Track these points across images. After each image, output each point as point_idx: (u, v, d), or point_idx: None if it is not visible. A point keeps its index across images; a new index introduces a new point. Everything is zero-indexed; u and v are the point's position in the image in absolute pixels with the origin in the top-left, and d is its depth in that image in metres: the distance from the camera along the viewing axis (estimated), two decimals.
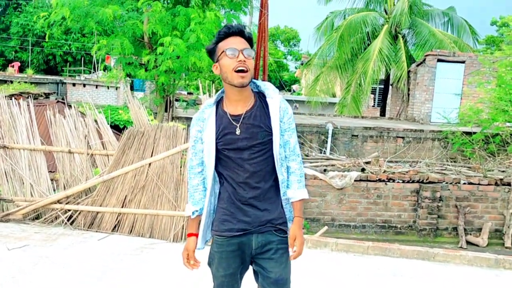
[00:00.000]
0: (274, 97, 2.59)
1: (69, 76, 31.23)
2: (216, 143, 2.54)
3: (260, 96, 2.61)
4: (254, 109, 2.55)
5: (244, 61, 2.43)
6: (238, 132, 2.51)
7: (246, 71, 2.43)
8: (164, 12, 11.61)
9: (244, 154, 2.52)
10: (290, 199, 2.67)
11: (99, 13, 10.86)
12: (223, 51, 2.46)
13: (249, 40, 2.51)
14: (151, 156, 6.30)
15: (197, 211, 2.69)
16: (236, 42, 2.46)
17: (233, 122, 2.52)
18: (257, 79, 2.85)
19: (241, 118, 2.52)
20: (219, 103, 2.62)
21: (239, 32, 2.49)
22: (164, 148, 6.26)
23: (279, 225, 2.61)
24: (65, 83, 26.98)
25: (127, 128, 6.58)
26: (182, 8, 11.64)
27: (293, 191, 2.66)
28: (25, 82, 24.02)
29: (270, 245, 2.59)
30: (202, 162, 2.65)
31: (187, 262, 2.68)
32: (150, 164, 6.26)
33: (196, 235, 2.70)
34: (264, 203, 2.58)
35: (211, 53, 2.56)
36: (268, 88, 2.62)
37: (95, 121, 6.63)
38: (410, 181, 8.72)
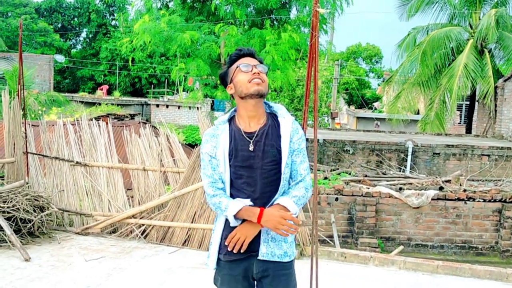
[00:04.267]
0: (286, 117, 2.58)
1: (153, 97, 32.55)
2: (229, 160, 2.51)
3: (273, 116, 2.61)
4: (266, 127, 2.54)
5: (259, 73, 2.49)
6: (251, 148, 2.48)
7: (262, 82, 2.48)
8: (240, 35, 11.88)
9: (256, 172, 2.48)
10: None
11: (177, 38, 11.32)
12: (237, 67, 2.53)
13: (260, 61, 2.59)
14: None
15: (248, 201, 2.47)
16: (248, 60, 2.55)
17: (247, 139, 2.51)
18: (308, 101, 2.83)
19: (254, 135, 2.51)
20: (231, 121, 2.61)
21: (250, 53, 2.58)
22: None
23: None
24: (149, 104, 28.24)
25: None
26: (257, 30, 11.86)
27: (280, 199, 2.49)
28: (112, 104, 25.44)
29: (269, 271, 2.51)
30: (220, 177, 2.53)
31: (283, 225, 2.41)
32: None
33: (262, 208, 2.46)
34: None
35: (224, 77, 2.62)
36: (281, 108, 2.63)
37: (168, 139, 6.88)
38: (492, 200, 8.31)
